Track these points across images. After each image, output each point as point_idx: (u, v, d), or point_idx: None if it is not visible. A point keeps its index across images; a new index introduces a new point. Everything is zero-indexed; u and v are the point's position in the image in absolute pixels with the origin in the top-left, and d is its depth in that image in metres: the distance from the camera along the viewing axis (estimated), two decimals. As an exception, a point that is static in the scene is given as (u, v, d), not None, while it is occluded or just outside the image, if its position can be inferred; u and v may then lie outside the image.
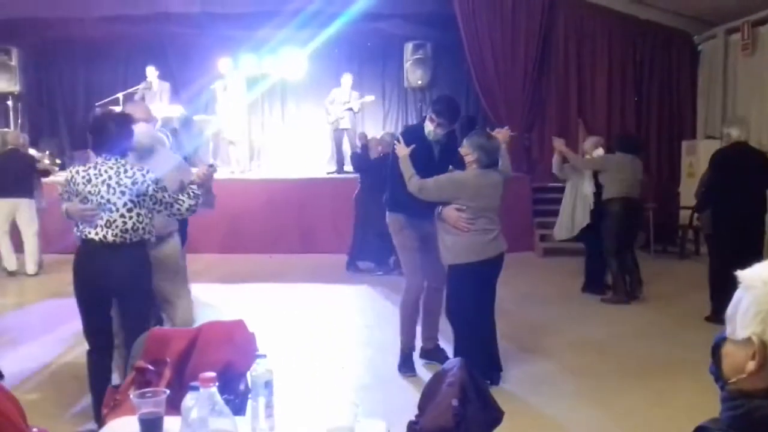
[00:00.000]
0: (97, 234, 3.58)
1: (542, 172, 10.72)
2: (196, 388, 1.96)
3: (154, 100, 10.41)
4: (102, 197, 3.56)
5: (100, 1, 9.95)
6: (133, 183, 3.60)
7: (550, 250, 9.61)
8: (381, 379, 4.77)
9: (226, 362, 2.90)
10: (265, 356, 2.21)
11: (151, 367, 2.77)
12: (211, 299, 6.84)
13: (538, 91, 10.76)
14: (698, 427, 1.30)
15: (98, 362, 3.77)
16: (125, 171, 3.61)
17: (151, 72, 10.62)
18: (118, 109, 9.95)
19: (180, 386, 2.89)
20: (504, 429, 2.43)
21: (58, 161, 10.21)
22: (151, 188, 3.63)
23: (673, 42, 10.72)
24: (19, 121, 10.94)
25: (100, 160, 3.64)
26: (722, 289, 5.86)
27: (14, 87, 10.62)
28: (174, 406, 1.99)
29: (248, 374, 2.17)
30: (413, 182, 4.38)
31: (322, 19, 10.46)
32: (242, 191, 9.62)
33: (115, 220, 3.58)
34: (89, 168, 3.63)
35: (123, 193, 3.58)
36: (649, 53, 10.73)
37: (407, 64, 11.07)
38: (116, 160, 3.63)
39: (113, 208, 3.57)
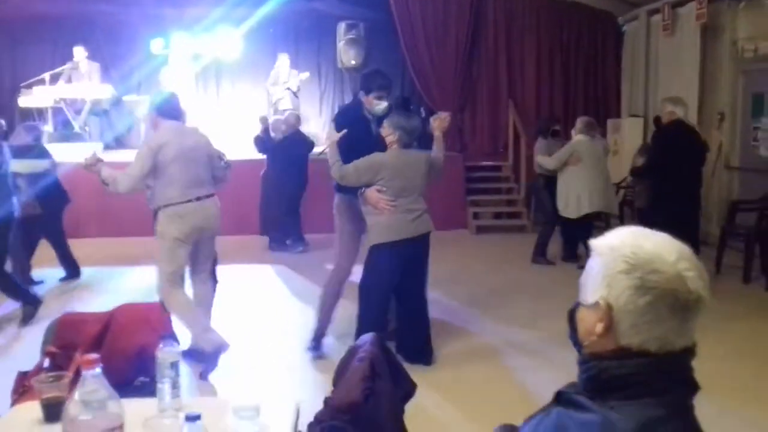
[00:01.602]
0: None
1: (474, 150, 10.92)
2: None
3: (83, 80, 10.14)
4: None
5: (23, -22, 9.58)
6: None
7: (483, 228, 9.79)
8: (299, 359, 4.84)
9: (142, 345, 2.90)
10: (171, 336, 2.23)
11: (59, 352, 2.75)
12: (137, 281, 6.78)
13: (469, 72, 10.92)
14: (557, 391, 1.38)
15: None
16: None
17: (79, 52, 10.32)
18: (44, 89, 9.81)
19: (95, 370, 2.90)
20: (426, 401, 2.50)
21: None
22: None
23: (598, 23, 10.99)
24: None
25: None
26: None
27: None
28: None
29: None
30: (335, 169, 4.42)
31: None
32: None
33: None
34: None
35: None
36: (575, 34, 11.00)
37: (340, 44, 11.04)
38: None
39: None
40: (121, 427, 1.64)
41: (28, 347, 4.01)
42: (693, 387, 1.27)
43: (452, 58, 10.69)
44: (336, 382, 2.38)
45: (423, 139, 4.82)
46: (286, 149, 8.30)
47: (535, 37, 10.92)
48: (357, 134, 4.46)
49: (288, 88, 10.61)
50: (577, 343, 1.35)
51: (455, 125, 10.70)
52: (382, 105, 4.58)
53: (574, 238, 7.39)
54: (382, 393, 2.22)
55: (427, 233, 4.54)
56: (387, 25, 10.84)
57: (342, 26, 11.01)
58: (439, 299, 5.79)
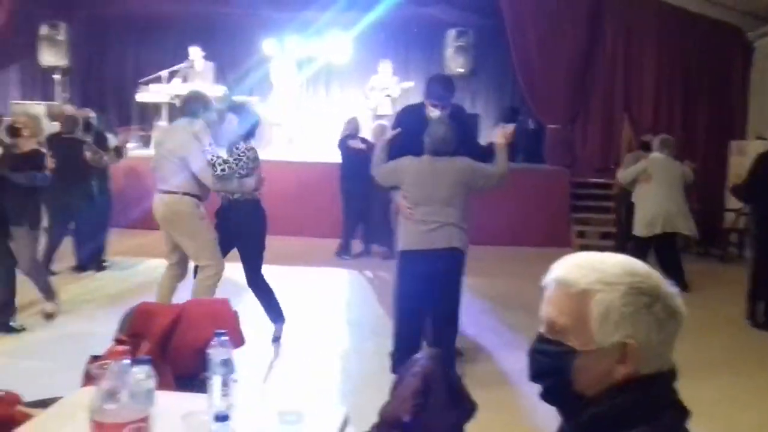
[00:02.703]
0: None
1: (583, 166, 10.48)
2: (145, 361, 1.96)
3: (197, 80, 10.51)
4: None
5: (150, -22, 10.08)
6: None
7: (587, 247, 9.37)
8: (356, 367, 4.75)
9: (207, 340, 2.89)
10: (224, 334, 2.18)
11: (128, 340, 2.78)
12: (227, 278, 6.89)
13: (582, 82, 10.50)
14: None
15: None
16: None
17: (195, 52, 10.71)
18: (161, 86, 10.26)
19: (163, 361, 2.92)
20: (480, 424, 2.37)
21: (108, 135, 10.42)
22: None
23: (725, 38, 10.30)
24: (67, 95, 11.20)
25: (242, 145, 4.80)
26: (763, 290, 5.76)
27: (62, 61, 10.86)
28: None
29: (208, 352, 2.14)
30: (372, 166, 4.42)
31: (366, 1, 10.40)
32: (279, 173, 9.66)
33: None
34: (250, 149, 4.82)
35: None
36: (699, 48, 10.34)
37: (448, 51, 10.94)
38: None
39: None
40: (145, 420, 1.60)
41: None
42: (684, 410, 1.19)
43: (565, 68, 10.32)
44: (391, 394, 2.28)
45: (488, 152, 4.59)
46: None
47: (655, 49, 10.35)
48: (412, 134, 4.33)
49: (388, 95, 10.59)
50: (568, 396, 1.20)
51: (563, 137, 10.37)
52: (434, 113, 4.46)
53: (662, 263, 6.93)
54: (435, 410, 2.10)
55: (448, 249, 4.16)
56: (497, 32, 10.63)
57: (452, 33, 10.91)
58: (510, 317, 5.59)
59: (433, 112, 4.46)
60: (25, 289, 5.43)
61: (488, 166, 4.33)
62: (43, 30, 10.81)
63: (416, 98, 11.61)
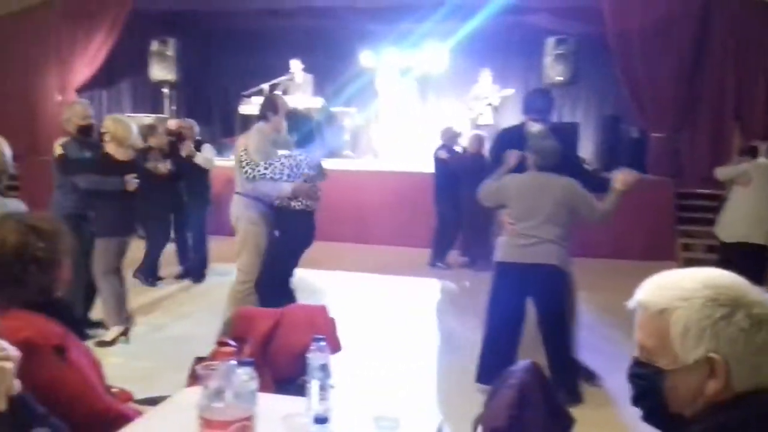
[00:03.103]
0: (300, 205, 4.74)
1: (690, 176, 10.03)
2: (248, 363, 2.02)
3: (297, 92, 10.79)
4: (305, 180, 4.72)
5: (251, -5, 10.45)
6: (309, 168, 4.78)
7: (693, 261, 8.99)
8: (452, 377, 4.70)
9: (305, 345, 2.96)
10: (322, 339, 2.23)
11: (232, 343, 2.88)
12: (324, 285, 7.03)
13: (689, 89, 10.06)
14: None
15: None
16: (304, 159, 4.74)
17: (295, 65, 11.00)
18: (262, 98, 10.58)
19: (263, 364, 3.01)
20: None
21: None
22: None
23: None
24: (174, 108, 11.74)
25: (296, 152, 4.73)
26: None
27: (170, 75, 11.39)
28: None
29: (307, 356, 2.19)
30: (480, 188, 4.42)
31: (464, 12, 10.39)
32: (377, 182, 9.78)
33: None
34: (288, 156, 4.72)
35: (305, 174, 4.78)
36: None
37: (547, 60, 10.76)
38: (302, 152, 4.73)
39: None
40: (249, 419, 1.66)
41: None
42: None
43: (671, 75, 9.91)
44: (485, 405, 2.26)
45: (596, 182, 4.46)
46: (470, 166, 8.15)
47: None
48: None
49: (489, 104, 10.53)
50: (667, 417, 1.17)
51: (669, 146, 9.98)
52: (534, 127, 4.40)
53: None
54: (531, 423, 2.07)
55: (546, 265, 4.09)
56: (599, 39, 10.36)
57: (551, 41, 10.73)
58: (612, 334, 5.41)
59: (534, 127, 4.41)
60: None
61: (595, 200, 4.17)
62: (154, 46, 11.39)
63: (517, 106, 11.64)
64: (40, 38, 11.09)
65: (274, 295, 4.77)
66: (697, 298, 1.15)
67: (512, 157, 4.40)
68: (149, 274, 6.97)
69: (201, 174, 7.16)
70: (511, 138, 4.58)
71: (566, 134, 5.62)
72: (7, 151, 3.39)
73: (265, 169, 4.62)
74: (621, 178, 4.20)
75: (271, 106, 5.17)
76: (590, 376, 4.50)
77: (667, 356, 1.17)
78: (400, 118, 11.47)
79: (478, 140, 8.26)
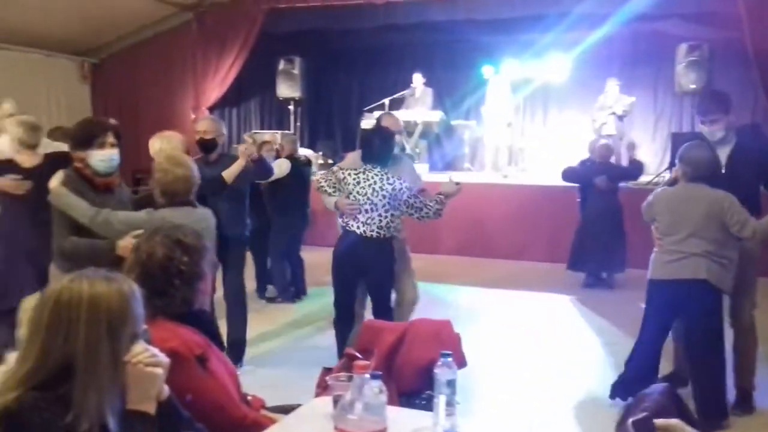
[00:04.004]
0: (358, 228, 4.32)
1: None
2: (377, 376, 2.05)
3: (416, 106, 10.88)
4: (368, 198, 4.29)
5: (374, 12, 10.60)
6: (393, 189, 4.29)
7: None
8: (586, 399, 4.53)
9: (430, 360, 2.97)
10: (450, 355, 2.23)
11: (358, 355, 2.93)
12: (443, 299, 7.02)
13: (838, 95, 9.34)
14: None
15: (342, 330, 4.51)
16: (387, 179, 4.32)
17: (417, 78, 11.10)
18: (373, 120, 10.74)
19: (388, 376, 3.04)
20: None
21: (330, 161, 11.13)
22: (405, 195, 4.31)
23: None
24: (299, 124, 12.14)
25: (368, 166, 4.38)
26: None
27: (296, 93, 11.81)
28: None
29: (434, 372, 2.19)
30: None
31: (591, 21, 10.13)
32: (495, 196, 9.68)
33: (374, 218, 4.29)
34: (359, 172, 4.37)
35: (384, 197, 4.28)
36: None
37: (679, 67, 10.29)
38: (380, 169, 4.36)
39: (374, 208, 4.28)
40: (383, 431, 1.69)
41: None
42: None
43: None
44: (617, 428, 2.18)
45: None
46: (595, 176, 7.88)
47: None
48: None
49: (613, 113, 10.19)
50: None
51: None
52: (704, 129, 4.17)
53: None
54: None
55: (694, 281, 3.87)
56: (735, 45, 9.81)
57: (683, 48, 10.26)
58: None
59: (710, 130, 4.19)
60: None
61: (751, 218, 3.89)
62: (281, 65, 11.85)
63: (640, 114, 11.24)
64: (178, 60, 11.82)
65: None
66: None
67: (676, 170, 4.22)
68: (287, 288, 7.15)
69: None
70: (684, 143, 4.37)
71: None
72: (194, 167, 3.59)
73: (323, 180, 4.62)
74: None
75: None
76: (744, 406, 4.22)
77: None
78: (513, 130, 11.30)
79: (606, 149, 8.01)
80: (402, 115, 10.88)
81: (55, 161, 4.14)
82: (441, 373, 2.16)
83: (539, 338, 5.97)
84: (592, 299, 7.28)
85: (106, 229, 3.29)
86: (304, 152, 9.29)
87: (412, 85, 11.06)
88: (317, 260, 8.62)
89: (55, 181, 3.36)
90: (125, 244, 3.15)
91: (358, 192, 4.32)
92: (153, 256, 2.12)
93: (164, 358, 1.74)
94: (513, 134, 11.41)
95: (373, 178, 4.32)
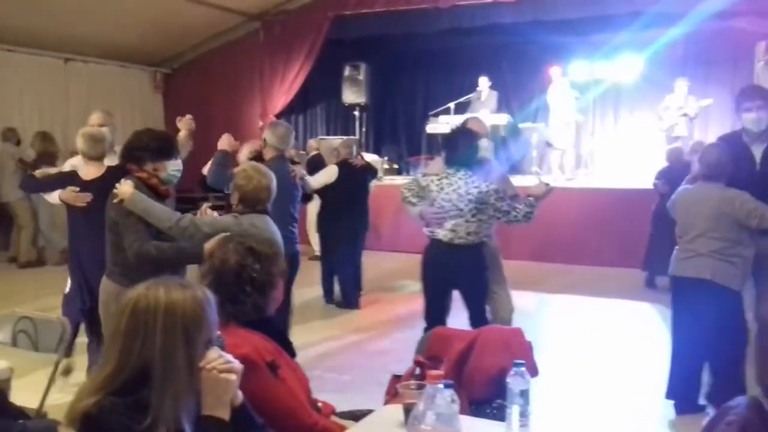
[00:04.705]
0: (445, 236, 4.16)
1: None
2: (450, 386, 2.02)
3: (482, 109, 10.79)
4: (453, 204, 4.10)
5: (438, 16, 10.56)
6: (479, 193, 4.12)
7: None
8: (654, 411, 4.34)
9: (501, 368, 2.92)
10: (522, 365, 2.18)
11: (427, 362, 2.90)
12: (532, 307, 6.91)
13: None
14: None
15: None
16: (472, 182, 4.12)
17: (483, 82, 11.02)
18: (449, 117, 10.71)
19: (458, 384, 3.00)
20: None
21: (395, 166, 11.15)
22: (493, 198, 4.13)
23: None
24: (364, 129, 12.20)
25: (451, 171, 4.20)
26: None
27: (362, 99, 11.88)
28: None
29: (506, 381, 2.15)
30: None
31: (665, 20, 9.85)
32: (563, 200, 9.49)
33: (460, 225, 4.13)
34: (442, 178, 4.19)
35: (470, 201, 4.11)
36: None
37: (758, 65, 9.88)
38: (464, 172, 4.17)
39: (461, 214, 4.12)
40: (455, 443, 1.66)
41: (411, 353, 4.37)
42: None
43: None
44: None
45: None
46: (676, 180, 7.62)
47: None
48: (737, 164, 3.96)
49: (684, 114, 9.86)
50: None
51: None
52: (749, 117, 3.97)
53: None
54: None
55: (699, 279, 3.88)
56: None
57: (762, 45, 9.85)
58: None
59: (747, 117, 4.00)
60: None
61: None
62: (346, 71, 11.95)
63: (716, 117, 10.85)
64: (246, 68, 12.06)
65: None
66: None
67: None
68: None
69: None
70: (730, 146, 4.21)
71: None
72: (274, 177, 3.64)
73: (408, 192, 4.40)
74: None
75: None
76: None
77: None
78: (576, 131, 11.06)
79: (678, 153, 7.76)
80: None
81: (114, 173, 4.04)
82: (514, 382, 2.12)
83: (616, 346, 5.80)
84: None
85: (188, 233, 3.30)
86: (369, 157, 9.30)
87: (477, 88, 10.97)
88: (383, 264, 8.71)
89: (128, 187, 3.33)
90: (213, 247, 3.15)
91: (442, 198, 4.15)
92: (226, 263, 2.15)
93: (238, 365, 1.75)
94: (580, 136, 11.19)
95: (457, 182, 4.15)
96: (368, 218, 7.22)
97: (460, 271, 4.22)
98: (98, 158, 4.39)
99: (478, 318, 4.30)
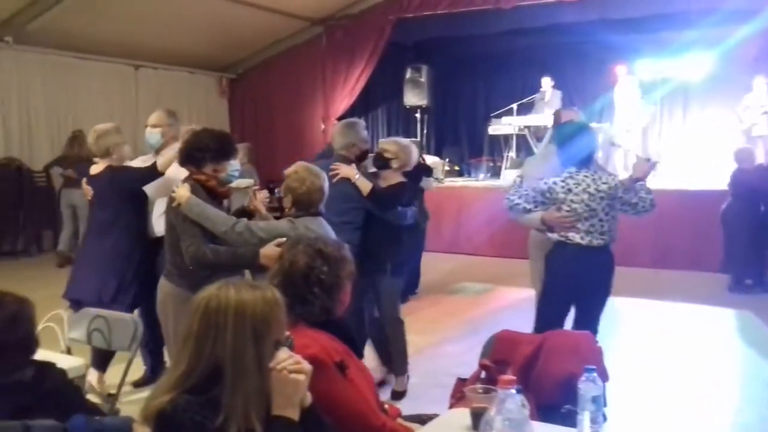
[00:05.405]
0: (582, 238, 3.90)
1: None
2: (519, 390, 1.99)
3: (546, 109, 10.65)
4: (586, 205, 3.85)
5: (500, 17, 10.45)
6: (609, 188, 3.88)
7: None
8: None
9: (570, 373, 2.85)
10: (594, 370, 2.13)
11: (494, 366, 2.86)
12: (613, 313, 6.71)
13: None
14: None
15: None
16: (600, 179, 3.89)
17: (546, 82, 10.89)
18: (511, 118, 10.58)
19: (525, 389, 2.95)
20: None
21: (456, 168, 11.09)
22: (620, 191, 3.90)
23: None
24: (425, 131, 12.18)
25: (573, 170, 3.90)
26: None
27: (423, 101, 11.87)
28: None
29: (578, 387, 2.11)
30: None
31: (737, 17, 9.51)
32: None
33: (595, 225, 3.89)
34: (566, 178, 3.90)
35: (602, 198, 3.87)
36: None
37: None
38: (587, 169, 3.92)
39: (594, 214, 3.88)
40: (531, 450, 1.63)
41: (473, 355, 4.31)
42: None
43: None
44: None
45: None
46: (752, 181, 7.34)
47: None
48: None
49: (765, 112, 9.50)
50: None
51: None
52: None
53: None
54: None
55: None
56: None
57: None
58: None
59: None
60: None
61: None
62: (408, 73, 11.96)
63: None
64: (308, 72, 12.21)
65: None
66: None
67: None
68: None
69: None
70: None
71: None
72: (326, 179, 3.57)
73: (519, 198, 4.02)
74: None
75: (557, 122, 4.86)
76: None
77: None
78: (641, 131, 10.79)
79: (749, 153, 7.49)
80: (532, 119, 10.70)
81: (113, 173, 4.32)
82: (585, 388, 2.08)
83: (689, 351, 5.62)
84: (755, 309, 6.74)
85: (243, 239, 3.27)
86: (430, 159, 9.27)
87: (541, 89, 10.83)
88: (443, 266, 8.66)
89: (185, 192, 3.31)
90: (269, 252, 3.11)
91: (572, 200, 3.87)
92: (295, 265, 2.16)
93: (307, 365, 1.76)
94: (647, 137, 10.91)
95: (584, 181, 3.87)
96: (424, 217, 7.00)
97: (596, 275, 3.97)
98: (102, 155, 4.46)
99: (596, 324, 3.99)
